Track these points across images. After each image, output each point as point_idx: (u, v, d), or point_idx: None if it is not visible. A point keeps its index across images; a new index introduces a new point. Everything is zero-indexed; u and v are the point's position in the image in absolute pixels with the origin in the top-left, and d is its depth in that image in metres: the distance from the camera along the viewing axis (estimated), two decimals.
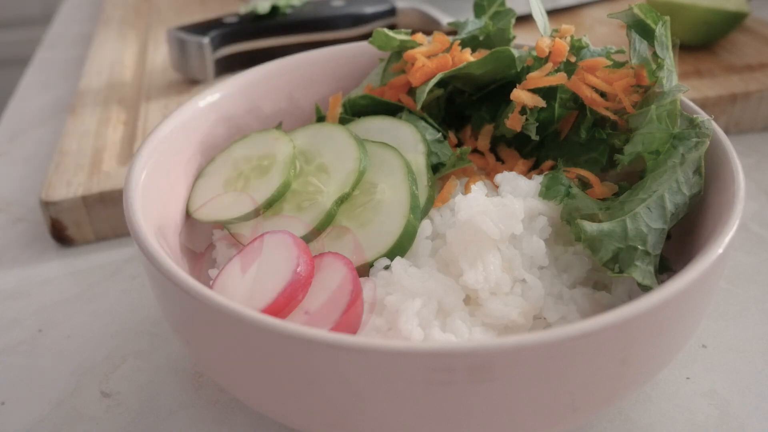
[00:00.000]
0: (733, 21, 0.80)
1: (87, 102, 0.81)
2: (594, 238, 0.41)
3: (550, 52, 0.48)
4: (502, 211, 0.42)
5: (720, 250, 0.35)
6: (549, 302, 0.43)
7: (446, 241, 0.44)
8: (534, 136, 0.48)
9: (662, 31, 0.45)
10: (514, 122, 0.48)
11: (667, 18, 0.46)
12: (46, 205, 0.62)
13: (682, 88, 0.43)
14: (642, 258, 0.40)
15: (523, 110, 0.48)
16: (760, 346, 0.50)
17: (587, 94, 0.47)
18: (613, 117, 0.47)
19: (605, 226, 0.41)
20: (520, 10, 0.55)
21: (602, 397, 0.36)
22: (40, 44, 1.13)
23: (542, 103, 0.47)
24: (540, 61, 0.49)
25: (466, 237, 0.43)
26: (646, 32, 0.46)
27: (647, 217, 0.40)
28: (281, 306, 0.40)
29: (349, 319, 0.40)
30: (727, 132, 0.44)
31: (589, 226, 0.41)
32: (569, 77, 0.48)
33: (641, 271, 0.39)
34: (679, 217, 0.41)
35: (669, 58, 0.45)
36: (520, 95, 0.47)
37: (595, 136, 0.48)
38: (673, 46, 0.46)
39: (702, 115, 0.44)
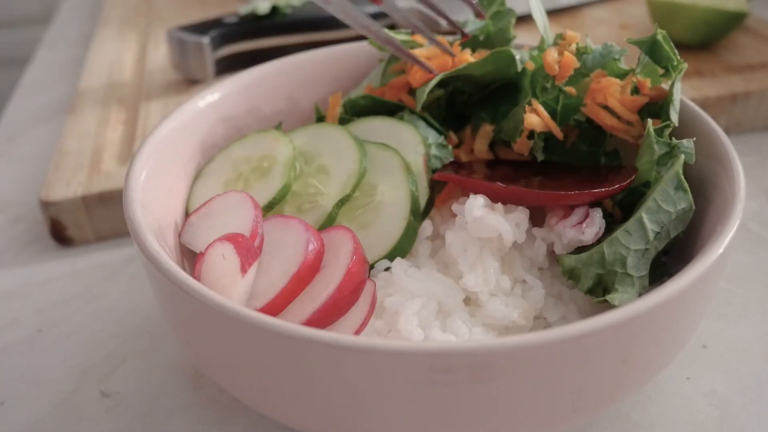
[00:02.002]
0: (733, 21, 0.80)
1: (87, 102, 0.81)
2: (573, 268, 0.42)
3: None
4: (510, 219, 0.42)
5: (720, 250, 0.35)
6: (549, 302, 0.43)
7: (445, 243, 0.44)
8: (541, 157, 0.48)
9: (678, 78, 0.45)
10: (521, 147, 0.48)
11: (685, 65, 0.45)
12: (46, 205, 0.62)
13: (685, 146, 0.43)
14: (623, 281, 0.40)
15: (531, 134, 0.48)
16: (760, 346, 0.50)
17: (608, 122, 0.46)
18: (634, 141, 0.46)
19: (583, 255, 0.41)
20: (520, 10, 0.55)
21: (602, 397, 0.36)
22: (40, 44, 1.13)
23: (555, 128, 0.47)
24: (541, 64, 0.49)
25: (468, 238, 0.43)
26: (659, 59, 0.46)
27: (625, 240, 0.40)
28: (281, 303, 0.40)
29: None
30: (727, 132, 0.45)
31: (568, 258, 0.42)
32: (573, 86, 0.47)
33: (619, 295, 0.40)
34: (672, 234, 0.41)
35: (676, 99, 0.45)
36: (533, 122, 0.46)
37: (598, 147, 0.48)
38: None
39: (683, 140, 0.44)
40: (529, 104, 0.47)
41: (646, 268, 0.41)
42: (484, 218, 0.42)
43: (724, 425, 0.44)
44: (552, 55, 0.48)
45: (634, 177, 0.43)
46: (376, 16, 0.88)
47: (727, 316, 0.52)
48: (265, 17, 0.85)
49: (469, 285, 0.41)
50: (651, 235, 0.40)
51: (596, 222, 0.42)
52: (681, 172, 0.41)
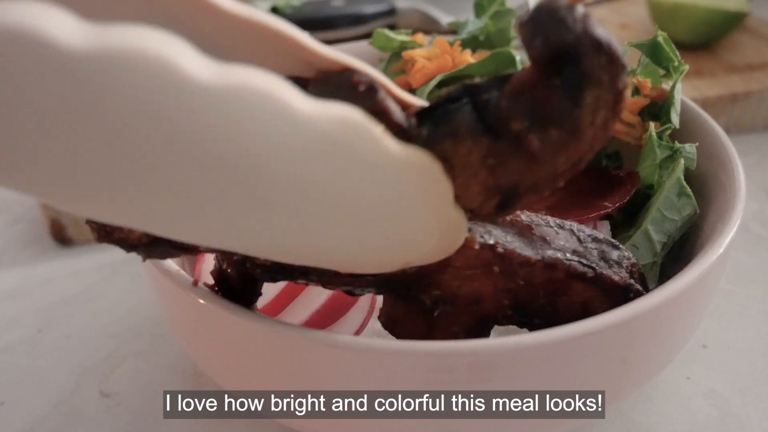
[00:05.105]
0: (734, 21, 0.80)
1: None
2: None
3: None
4: None
5: (720, 250, 0.35)
6: None
7: None
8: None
9: (679, 80, 0.45)
10: None
11: (687, 67, 0.45)
12: (46, 205, 0.62)
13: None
14: None
15: None
16: (760, 346, 0.50)
17: None
18: (635, 143, 0.46)
19: None
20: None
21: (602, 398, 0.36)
22: None
23: None
24: None
25: None
26: (660, 60, 0.46)
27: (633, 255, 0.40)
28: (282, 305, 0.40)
29: None
30: (727, 132, 0.45)
31: None
32: None
33: None
34: (677, 238, 0.41)
35: (677, 100, 0.45)
36: None
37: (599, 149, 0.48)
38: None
39: (685, 144, 0.44)
40: None
41: (654, 280, 0.41)
42: None
43: (724, 425, 0.44)
44: None
45: (635, 189, 0.43)
46: (377, 16, 0.88)
47: (727, 316, 0.52)
48: None
49: None
50: (658, 247, 0.40)
51: None
52: (682, 177, 0.41)
